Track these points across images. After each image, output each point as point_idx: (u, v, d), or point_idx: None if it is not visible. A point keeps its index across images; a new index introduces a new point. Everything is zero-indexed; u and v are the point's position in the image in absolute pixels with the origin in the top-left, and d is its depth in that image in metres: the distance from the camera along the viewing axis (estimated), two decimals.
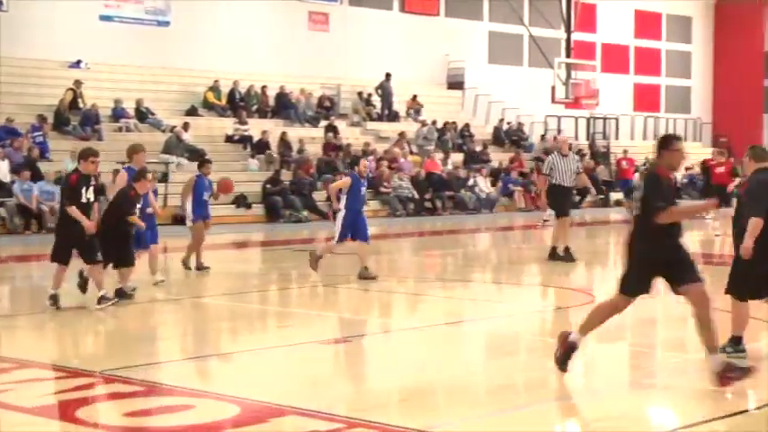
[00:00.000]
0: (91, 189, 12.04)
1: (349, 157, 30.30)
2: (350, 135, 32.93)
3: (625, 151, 38.11)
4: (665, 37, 46.80)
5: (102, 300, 12.06)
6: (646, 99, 45.69)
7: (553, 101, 33.26)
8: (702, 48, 48.35)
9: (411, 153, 32.55)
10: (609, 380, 9.11)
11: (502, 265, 19.15)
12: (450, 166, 32.42)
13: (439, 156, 32.91)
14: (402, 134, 33.09)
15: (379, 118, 34.94)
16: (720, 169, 22.37)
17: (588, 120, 40.97)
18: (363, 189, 15.26)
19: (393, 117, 35.18)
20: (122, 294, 12.57)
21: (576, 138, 40.42)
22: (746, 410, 8.01)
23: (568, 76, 33.18)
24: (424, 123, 34.44)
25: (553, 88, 32.74)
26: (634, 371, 9.63)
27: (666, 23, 46.83)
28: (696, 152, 41.18)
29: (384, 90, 34.69)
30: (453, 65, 38.20)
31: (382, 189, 29.62)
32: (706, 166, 29.35)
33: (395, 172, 30.21)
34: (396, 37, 36.50)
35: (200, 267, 15.92)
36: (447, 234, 25.64)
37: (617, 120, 42.29)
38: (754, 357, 9.22)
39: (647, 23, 45.93)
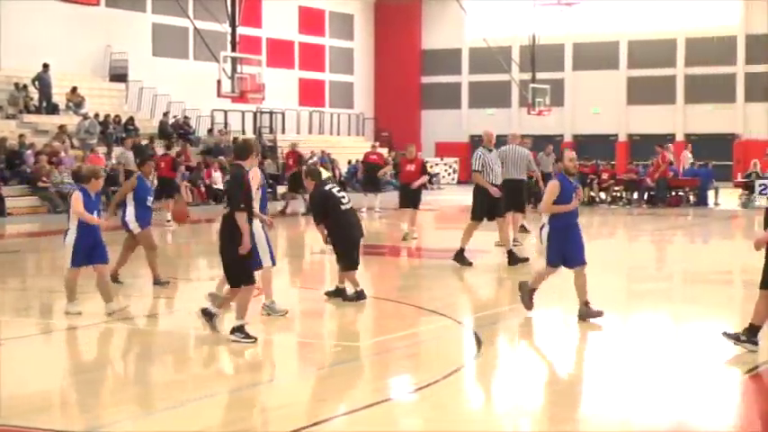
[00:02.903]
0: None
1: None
2: (5, 128, 31.18)
3: (293, 145, 38.61)
4: (328, 33, 47.90)
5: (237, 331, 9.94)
6: (311, 94, 46.58)
7: (219, 95, 33.00)
8: (364, 45, 49.94)
9: (72, 147, 31.33)
10: (280, 371, 9.13)
11: (168, 261, 18.76)
12: (114, 161, 31.49)
13: (102, 150, 31.87)
14: (62, 128, 31.73)
15: (37, 110, 33.33)
16: (411, 167, 20.54)
17: (255, 114, 41.19)
18: (575, 195, 11.18)
19: (52, 110, 33.65)
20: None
21: (243, 132, 40.55)
22: (409, 392, 8.26)
23: (234, 70, 33.03)
24: (85, 116, 33.19)
25: (219, 82, 32.45)
26: (302, 361, 9.70)
27: (329, 20, 47.96)
28: (359, 146, 42.50)
29: (42, 81, 33.10)
30: (116, 57, 37.12)
31: (41, 184, 28.32)
32: (367, 161, 30.26)
33: (55, 167, 28.94)
34: (54, 26, 34.92)
35: (159, 282, 13.90)
36: (111, 230, 24.79)
37: (283, 114, 42.83)
38: None
39: (310, 20, 46.82)
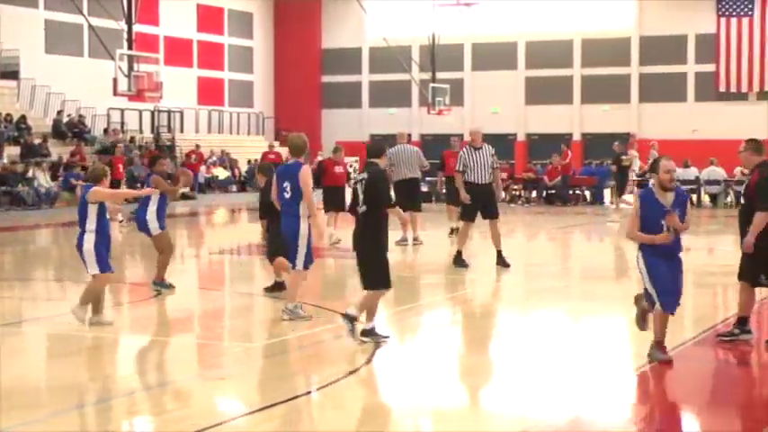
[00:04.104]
0: None
1: None
2: None
3: (197, 146, 38.34)
4: (227, 32, 47.47)
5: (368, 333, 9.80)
6: (210, 93, 46.10)
7: (115, 93, 32.40)
8: (263, 43, 49.62)
9: None
10: (177, 372, 8.96)
11: (64, 262, 18.35)
12: (5, 160, 30.69)
13: None
14: None
15: None
16: (338, 169, 19.83)
17: (153, 113, 40.60)
18: (668, 219, 8.67)
19: None
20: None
21: (141, 131, 39.95)
22: (308, 392, 8.19)
23: (131, 68, 32.47)
24: None
25: (115, 80, 31.86)
26: (201, 362, 9.56)
27: (228, 18, 47.53)
28: (259, 146, 42.20)
29: None
30: (7, 54, 36.12)
31: None
32: (265, 161, 30.17)
33: None
34: None
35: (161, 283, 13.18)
36: (4, 231, 24.22)
37: (182, 113, 42.31)
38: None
39: (209, 18, 46.32)
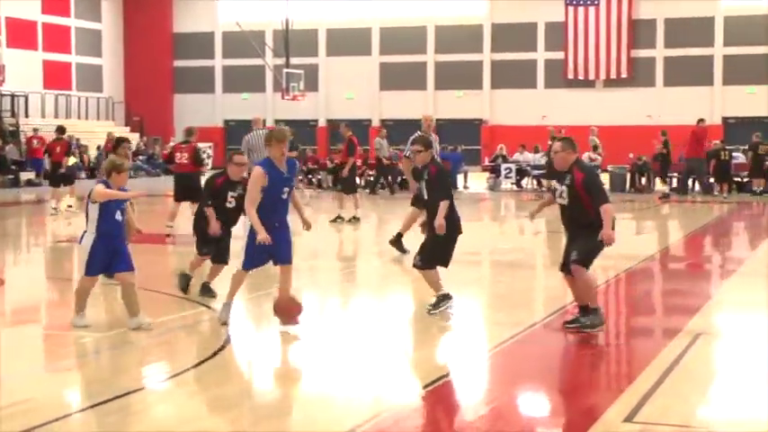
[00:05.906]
0: None
1: None
2: None
3: (35, 130, 37.09)
4: (73, 14, 46.15)
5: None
6: (56, 76, 44.78)
7: None
8: (112, 27, 48.45)
9: None
10: (19, 365, 8.62)
11: None
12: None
13: None
14: None
15: None
16: (183, 156, 18.81)
17: None
18: None
19: None
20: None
21: None
22: (156, 382, 7.99)
23: None
24: None
25: None
26: (46, 353, 9.24)
27: (75, 0, 46.22)
28: (109, 131, 41.20)
29: None
30: None
31: None
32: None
33: None
34: None
35: None
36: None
37: (26, 97, 40.98)
38: None
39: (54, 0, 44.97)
